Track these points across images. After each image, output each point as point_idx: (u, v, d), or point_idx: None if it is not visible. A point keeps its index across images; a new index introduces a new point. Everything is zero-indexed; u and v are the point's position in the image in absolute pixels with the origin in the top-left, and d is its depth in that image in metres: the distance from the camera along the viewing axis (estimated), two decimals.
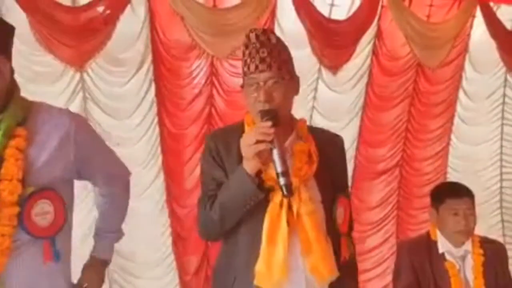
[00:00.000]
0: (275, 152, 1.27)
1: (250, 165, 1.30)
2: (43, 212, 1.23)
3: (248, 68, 1.36)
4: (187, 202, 3.09)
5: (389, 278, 3.49)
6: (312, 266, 1.35)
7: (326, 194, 1.40)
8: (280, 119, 1.32)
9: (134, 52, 2.91)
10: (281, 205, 1.34)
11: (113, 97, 2.92)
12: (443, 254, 2.02)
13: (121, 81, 2.92)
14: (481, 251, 2.02)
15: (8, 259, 1.18)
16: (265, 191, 1.32)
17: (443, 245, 2.02)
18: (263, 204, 1.34)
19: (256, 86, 1.34)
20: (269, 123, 1.28)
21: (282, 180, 1.26)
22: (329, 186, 1.41)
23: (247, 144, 1.29)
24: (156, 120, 2.99)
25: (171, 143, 3.05)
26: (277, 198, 1.34)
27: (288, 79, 1.36)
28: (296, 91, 1.42)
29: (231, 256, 1.40)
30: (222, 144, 1.39)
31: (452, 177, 3.67)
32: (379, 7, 3.47)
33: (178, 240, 3.03)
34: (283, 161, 1.27)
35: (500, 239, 3.45)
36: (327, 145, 1.45)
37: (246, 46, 1.37)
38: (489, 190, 3.98)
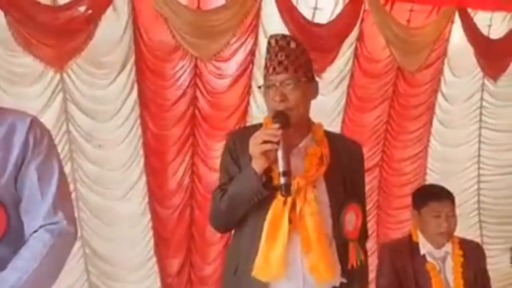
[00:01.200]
0: (280, 153, 1.33)
1: (257, 164, 1.36)
2: None
3: (268, 70, 1.45)
4: (170, 203, 3.08)
5: (370, 275, 3.54)
6: (311, 265, 1.38)
7: (335, 199, 1.44)
8: (290, 122, 1.39)
9: (117, 53, 2.88)
10: (285, 202, 1.38)
11: (94, 98, 2.89)
12: (424, 255, 2.06)
13: (103, 82, 2.89)
14: (460, 252, 2.07)
15: None
16: (272, 188, 1.38)
17: (424, 246, 2.07)
18: (269, 201, 1.39)
19: (273, 88, 1.42)
20: (277, 125, 1.36)
21: (282, 180, 1.32)
22: (339, 191, 1.45)
23: (255, 143, 1.37)
24: (138, 121, 2.97)
25: (154, 144, 3.03)
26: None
27: (304, 81, 1.43)
28: (313, 94, 1.48)
29: (236, 247, 1.47)
30: (240, 143, 1.46)
31: (431, 178, 3.74)
32: (362, 11, 3.52)
33: (160, 242, 3.01)
34: (286, 162, 1.33)
35: (478, 239, 3.54)
36: (343, 151, 1.49)
37: (268, 51, 1.46)
38: (467, 192, 4.07)
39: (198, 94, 3.13)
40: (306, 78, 1.43)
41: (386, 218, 3.71)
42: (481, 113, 4.08)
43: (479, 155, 4.08)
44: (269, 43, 1.46)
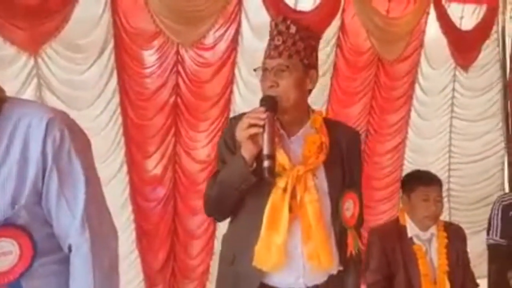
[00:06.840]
0: (265, 136, 1.31)
1: (246, 149, 1.33)
2: (1, 252, 0.99)
3: (265, 54, 1.43)
4: (152, 196, 2.99)
5: None
6: (310, 253, 1.38)
7: (334, 187, 1.44)
8: (277, 107, 1.35)
9: (94, 37, 2.72)
10: (285, 190, 1.36)
11: (71, 85, 2.73)
12: (411, 238, 2.18)
13: (80, 68, 2.73)
14: (444, 234, 2.22)
15: None
16: (271, 175, 1.34)
17: (411, 229, 2.19)
18: (267, 188, 1.37)
19: (266, 72, 1.40)
20: (263, 108, 1.33)
21: (265, 163, 1.30)
22: (338, 179, 1.45)
23: (241, 128, 1.34)
24: (118, 110, 2.84)
25: (135, 134, 2.92)
26: (281, 183, 1.37)
27: (299, 69, 1.39)
28: (309, 81, 1.44)
29: (232, 236, 1.46)
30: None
31: (407, 169, 3.82)
32: (342, 0, 3.51)
33: (143, 236, 2.93)
34: (271, 146, 1.30)
35: None
36: (342, 138, 1.48)
37: (270, 34, 1.43)
38: None
39: (180, 82, 3.02)
40: (301, 66, 1.39)
41: (366, 210, 3.75)
42: (452, 104, 4.21)
43: (450, 145, 4.23)
44: (270, 26, 1.45)
